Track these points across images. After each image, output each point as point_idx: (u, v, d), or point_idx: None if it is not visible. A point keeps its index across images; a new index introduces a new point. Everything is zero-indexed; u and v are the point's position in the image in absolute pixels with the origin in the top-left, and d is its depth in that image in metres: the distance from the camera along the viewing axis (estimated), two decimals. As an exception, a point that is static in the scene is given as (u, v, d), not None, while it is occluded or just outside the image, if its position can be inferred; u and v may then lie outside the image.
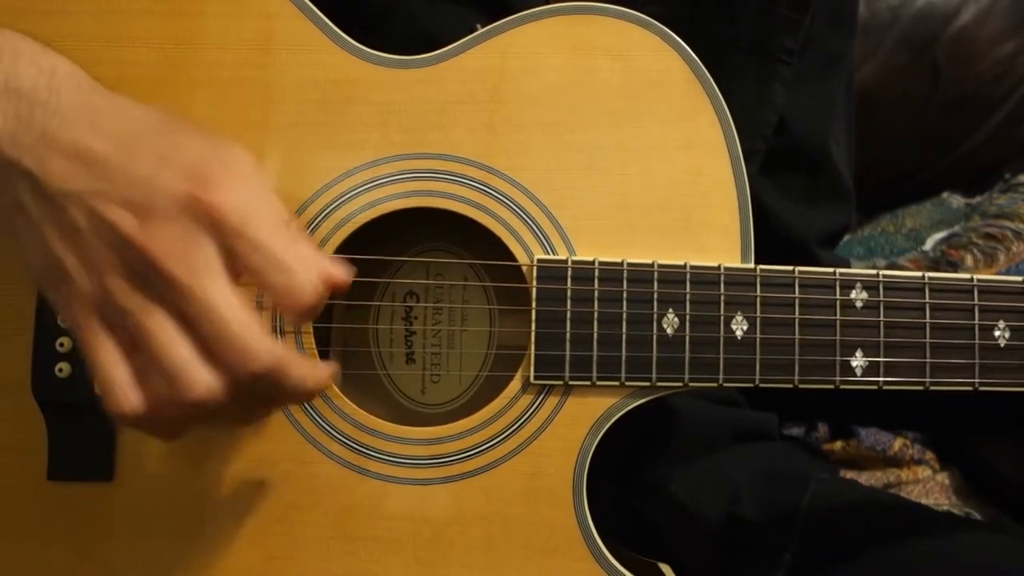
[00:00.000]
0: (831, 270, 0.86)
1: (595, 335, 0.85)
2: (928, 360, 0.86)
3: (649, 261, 0.85)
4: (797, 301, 0.86)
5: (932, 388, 0.86)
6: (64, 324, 0.75)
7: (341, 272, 0.76)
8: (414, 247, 0.95)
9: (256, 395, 0.74)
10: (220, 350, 0.71)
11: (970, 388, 0.86)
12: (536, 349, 0.85)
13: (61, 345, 0.85)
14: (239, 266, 0.72)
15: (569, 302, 0.85)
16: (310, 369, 0.75)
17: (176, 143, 0.73)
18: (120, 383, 0.72)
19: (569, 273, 0.85)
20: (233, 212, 0.71)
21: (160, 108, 0.76)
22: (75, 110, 0.73)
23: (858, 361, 0.86)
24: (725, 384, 0.85)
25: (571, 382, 0.85)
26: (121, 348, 0.72)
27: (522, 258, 0.86)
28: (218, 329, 0.71)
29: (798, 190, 1.10)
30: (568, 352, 0.85)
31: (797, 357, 0.85)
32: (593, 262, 0.85)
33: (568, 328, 0.85)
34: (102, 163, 0.72)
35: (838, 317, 0.86)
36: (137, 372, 0.72)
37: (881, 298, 0.86)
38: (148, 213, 0.71)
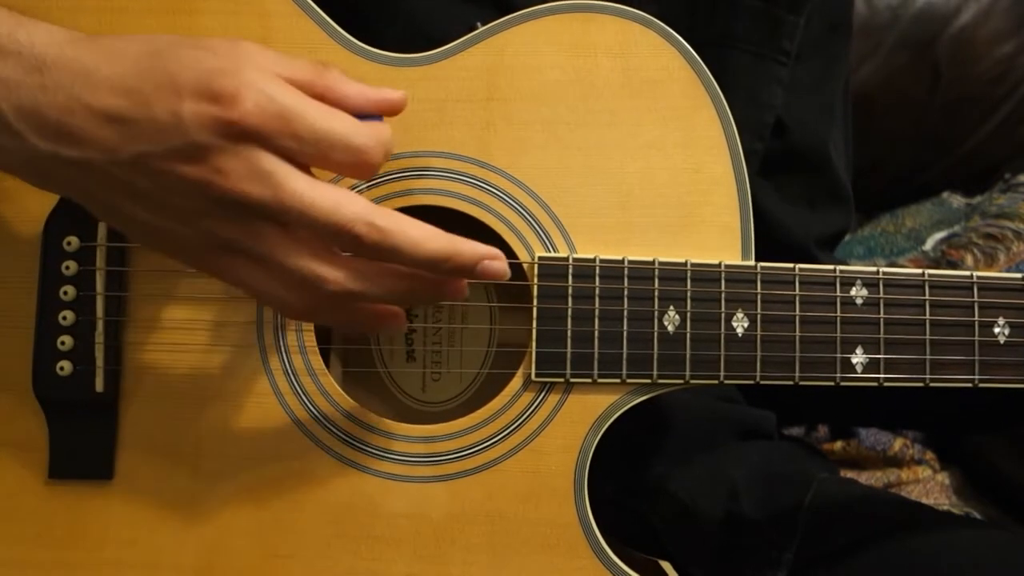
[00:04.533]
0: (831, 267, 0.86)
1: (596, 332, 0.85)
2: (928, 357, 0.86)
3: (650, 258, 0.85)
4: (798, 298, 0.86)
5: (932, 384, 0.86)
6: (207, 272, 0.76)
7: (393, 94, 0.77)
8: (414, 245, 0.94)
9: (388, 271, 0.75)
10: (332, 242, 0.73)
11: (970, 384, 0.86)
12: (537, 347, 0.85)
13: (62, 343, 0.85)
14: (300, 161, 0.72)
15: (570, 299, 0.85)
16: (418, 233, 0.74)
17: (173, 69, 0.71)
18: (273, 298, 0.75)
19: (570, 271, 0.85)
20: (262, 118, 0.71)
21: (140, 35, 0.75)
22: (70, 80, 0.72)
23: (858, 358, 0.86)
24: (726, 381, 0.86)
25: (572, 380, 0.85)
26: (257, 266, 0.74)
27: (523, 255, 0.86)
28: (319, 225, 0.72)
29: (797, 193, 1.10)
30: (569, 349, 0.85)
31: (798, 354, 0.85)
32: (594, 259, 0.85)
33: (569, 325, 0.85)
34: (127, 122, 0.71)
35: (838, 314, 0.86)
36: (280, 279, 0.74)
37: (881, 295, 0.86)
38: (198, 154, 0.71)
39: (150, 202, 0.73)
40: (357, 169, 0.74)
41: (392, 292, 0.76)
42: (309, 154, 0.72)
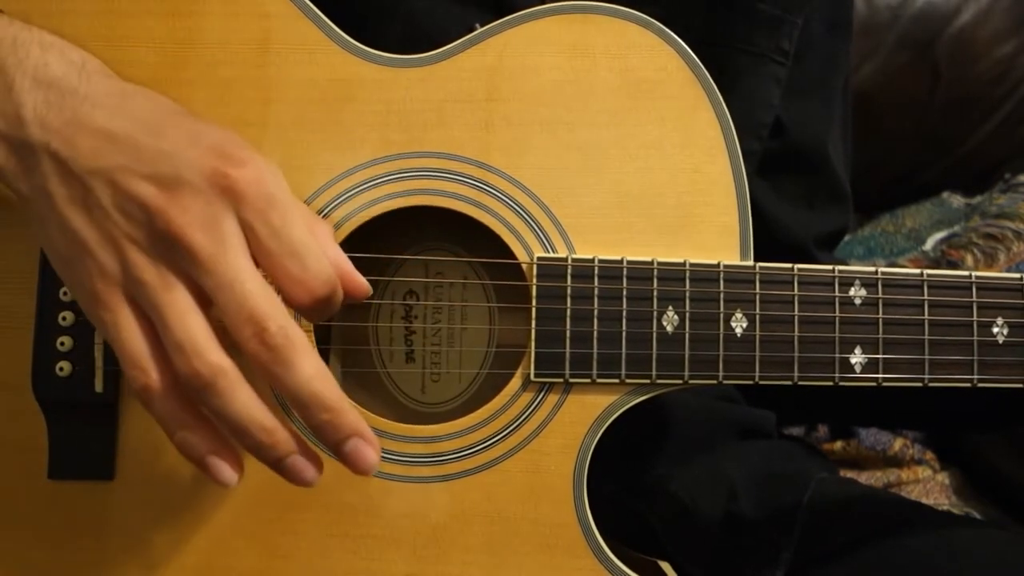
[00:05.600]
0: (830, 267, 0.86)
1: (595, 333, 0.85)
2: (927, 357, 0.86)
3: (649, 259, 0.86)
4: (796, 298, 0.86)
5: (931, 384, 0.86)
6: (83, 305, 0.75)
7: (359, 280, 0.77)
8: (414, 246, 0.95)
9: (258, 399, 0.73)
10: (238, 324, 0.71)
11: (968, 384, 0.86)
12: (536, 347, 0.85)
13: (62, 344, 0.85)
14: (254, 248, 0.72)
15: (569, 300, 0.85)
16: (319, 366, 0.72)
17: (202, 127, 0.74)
18: (137, 356, 0.72)
19: (569, 271, 0.85)
20: (258, 191, 0.71)
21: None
22: (105, 96, 0.74)
23: (857, 358, 0.86)
24: (725, 381, 0.86)
25: (571, 380, 0.85)
26: (142, 323, 0.72)
27: (522, 256, 0.86)
28: (239, 301, 0.70)
29: (796, 193, 1.10)
30: (568, 350, 0.85)
31: (796, 354, 0.85)
32: (593, 260, 0.85)
33: (568, 326, 0.85)
34: (129, 141, 0.72)
35: (837, 314, 0.86)
36: (157, 348, 0.72)
37: (880, 295, 0.86)
38: (174, 186, 0.71)
39: (93, 215, 0.73)
40: (296, 291, 0.73)
41: (249, 419, 0.72)
42: (268, 248, 0.72)
